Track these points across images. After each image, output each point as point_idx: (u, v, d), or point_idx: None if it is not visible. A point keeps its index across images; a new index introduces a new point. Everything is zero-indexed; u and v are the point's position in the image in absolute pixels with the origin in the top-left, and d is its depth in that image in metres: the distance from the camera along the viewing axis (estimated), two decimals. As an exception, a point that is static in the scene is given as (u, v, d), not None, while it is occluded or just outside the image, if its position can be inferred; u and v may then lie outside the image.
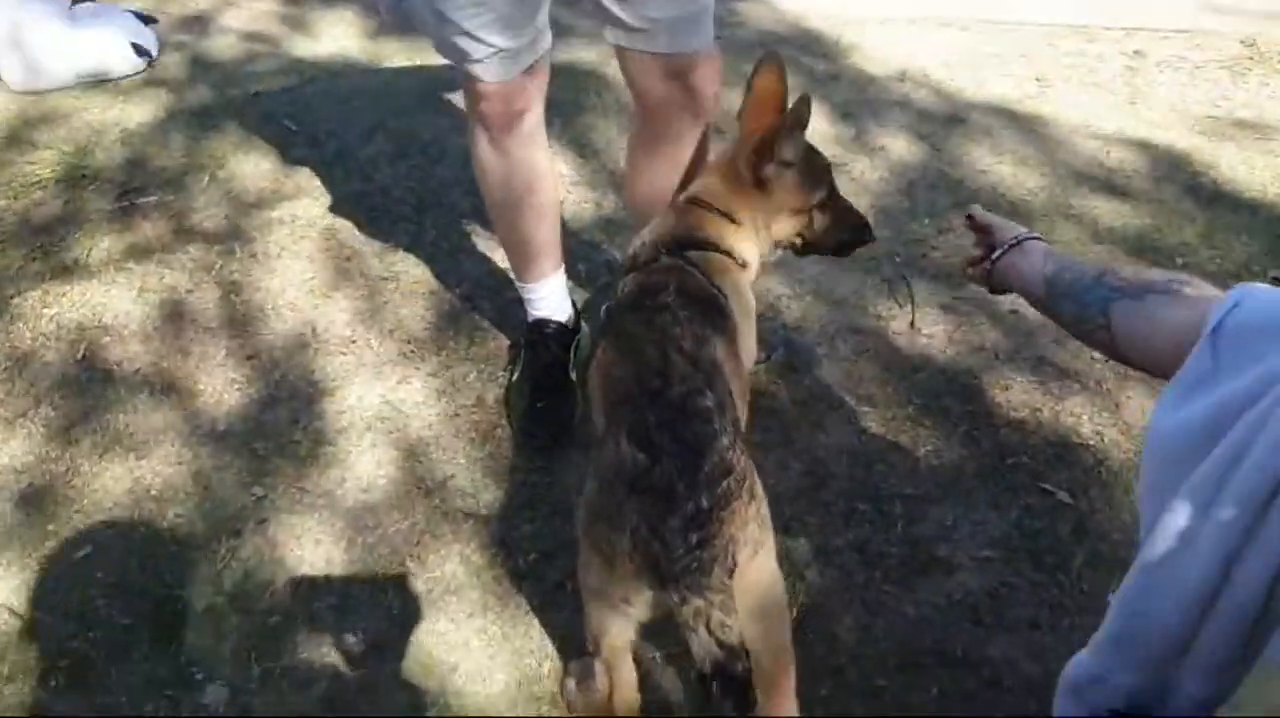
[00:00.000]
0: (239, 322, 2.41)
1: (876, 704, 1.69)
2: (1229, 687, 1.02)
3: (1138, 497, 1.14)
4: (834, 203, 1.76)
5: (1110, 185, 2.81)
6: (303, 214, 2.70)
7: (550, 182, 2.03)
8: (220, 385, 2.25)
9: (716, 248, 1.64)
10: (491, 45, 1.73)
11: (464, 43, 1.74)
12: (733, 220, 1.68)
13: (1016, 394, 2.22)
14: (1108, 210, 2.72)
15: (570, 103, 3.08)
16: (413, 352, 2.33)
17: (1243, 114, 3.17)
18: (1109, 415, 2.17)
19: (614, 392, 1.44)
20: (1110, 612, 1.13)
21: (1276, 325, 1.01)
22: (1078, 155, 2.93)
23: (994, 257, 1.51)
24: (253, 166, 2.90)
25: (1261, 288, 1.10)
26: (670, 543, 1.21)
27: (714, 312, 1.55)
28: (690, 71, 1.85)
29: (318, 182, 2.82)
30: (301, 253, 2.58)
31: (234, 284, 2.50)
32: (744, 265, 1.69)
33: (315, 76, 3.40)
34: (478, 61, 1.76)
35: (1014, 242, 1.49)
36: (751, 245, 1.70)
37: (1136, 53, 3.46)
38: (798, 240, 1.77)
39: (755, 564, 1.30)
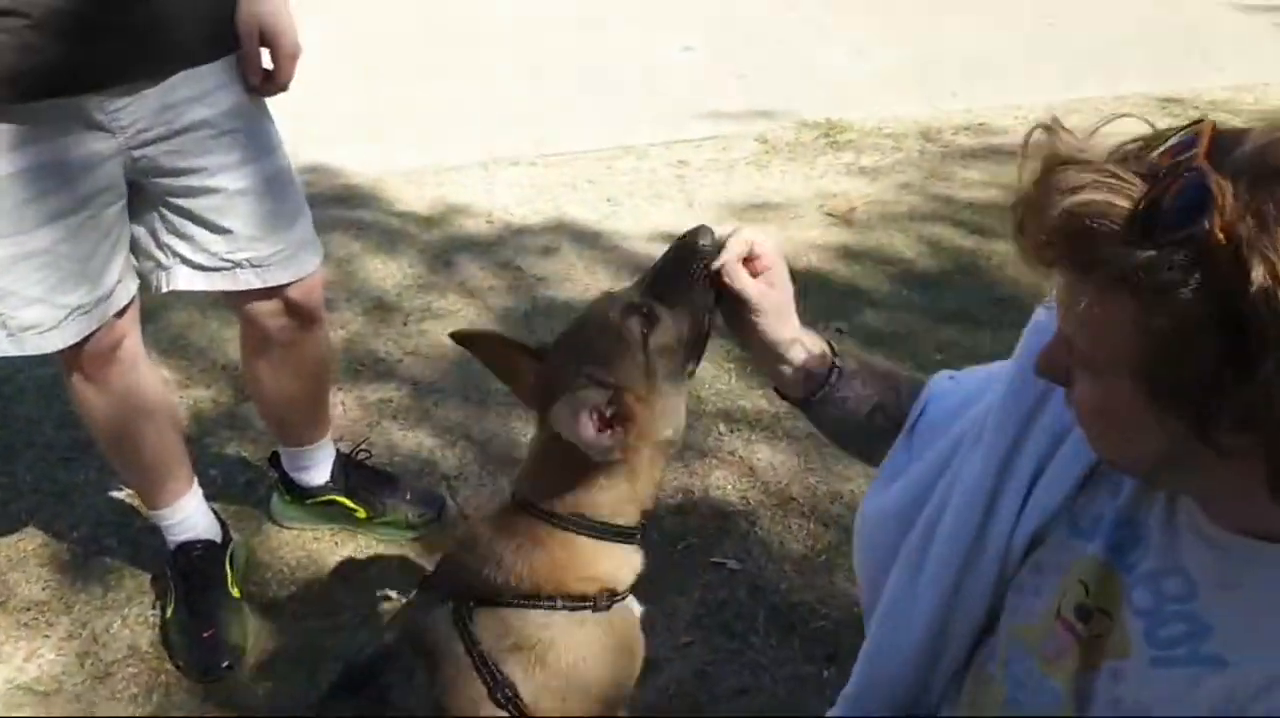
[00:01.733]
0: None
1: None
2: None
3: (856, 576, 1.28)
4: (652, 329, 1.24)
5: (692, 279, 3.18)
6: None
7: (163, 399, 1.92)
8: None
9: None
10: (64, 306, 1.61)
11: (29, 313, 1.59)
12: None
13: (670, 480, 2.40)
14: (696, 301, 3.07)
15: (158, 302, 2.91)
16: (35, 619, 2.03)
17: (774, 198, 3.74)
18: (748, 480, 2.42)
19: None
20: (854, 672, 1.25)
21: (954, 412, 1.20)
22: (654, 256, 3.27)
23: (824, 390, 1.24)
24: None
25: (945, 380, 1.27)
26: None
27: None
28: (294, 292, 1.84)
29: None
30: None
31: None
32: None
33: None
34: (52, 329, 1.62)
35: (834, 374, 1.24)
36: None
37: (681, 162, 3.97)
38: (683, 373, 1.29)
39: None
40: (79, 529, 2.23)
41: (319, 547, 2.21)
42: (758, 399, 2.67)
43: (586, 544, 1.24)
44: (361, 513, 2.18)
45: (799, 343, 1.21)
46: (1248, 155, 0.75)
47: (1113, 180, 0.76)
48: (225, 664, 1.91)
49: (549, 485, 1.24)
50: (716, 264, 1.17)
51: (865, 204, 3.69)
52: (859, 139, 4.32)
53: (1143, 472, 0.93)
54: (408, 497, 2.24)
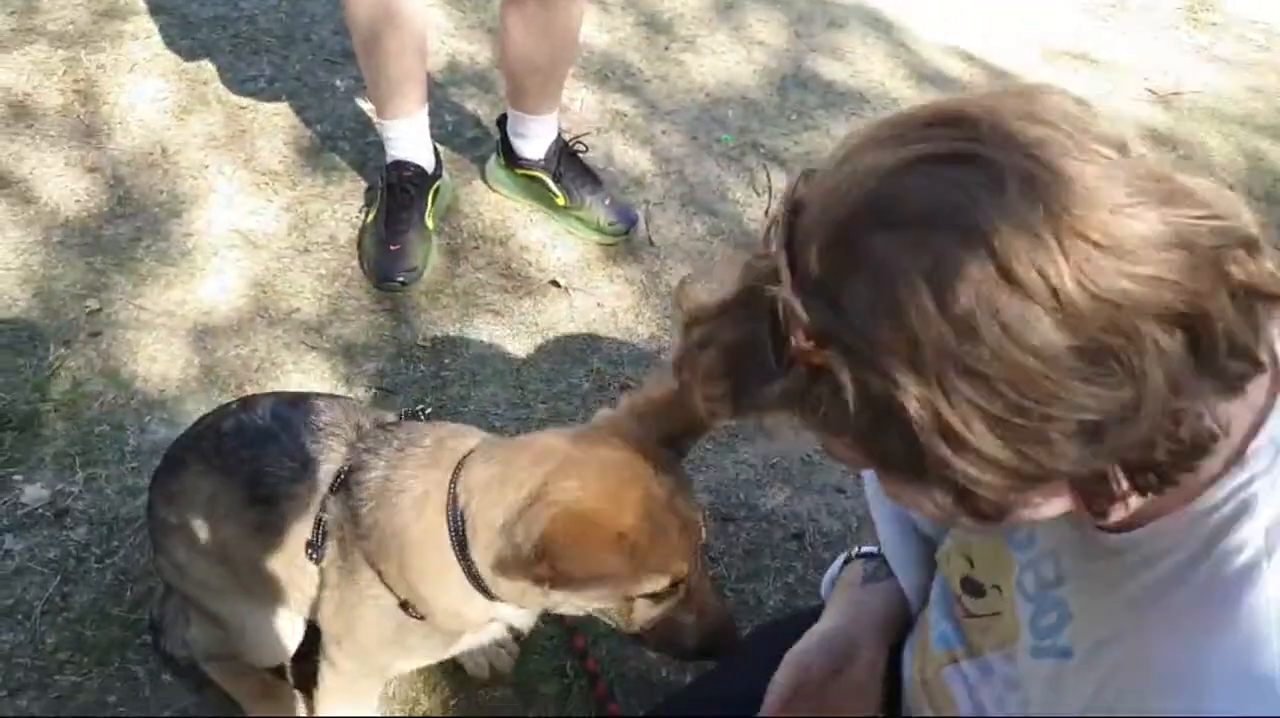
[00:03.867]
0: (82, 133, 2.29)
1: (688, 549, 1.82)
2: None
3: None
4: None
5: (968, 105, 2.95)
6: (159, 31, 2.56)
7: (419, 20, 2.00)
8: (57, 194, 2.16)
9: None
10: None
11: None
12: None
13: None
14: (962, 127, 2.85)
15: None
16: (266, 184, 2.28)
17: (1097, 54, 3.35)
18: (934, 314, 2.32)
19: None
20: None
21: None
22: (942, 72, 3.04)
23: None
24: (107, -27, 2.71)
25: None
26: None
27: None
28: None
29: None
30: (154, 70, 2.46)
31: (79, 93, 2.37)
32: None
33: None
34: None
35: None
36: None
37: (1010, -20, 3.58)
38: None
39: None
40: (322, 124, 2.43)
41: (516, 218, 2.32)
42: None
43: (438, 564, 1.12)
44: (560, 199, 2.26)
45: None
46: (813, 225, 0.66)
47: (729, 324, 0.70)
48: (400, 280, 2.09)
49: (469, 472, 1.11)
50: None
51: (1195, 93, 3.25)
52: (1223, 23, 3.74)
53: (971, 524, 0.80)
54: (607, 202, 2.29)
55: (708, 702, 1.30)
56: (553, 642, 1.63)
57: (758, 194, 2.50)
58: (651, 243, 2.33)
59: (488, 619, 1.18)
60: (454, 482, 1.10)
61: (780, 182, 2.54)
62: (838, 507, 1.93)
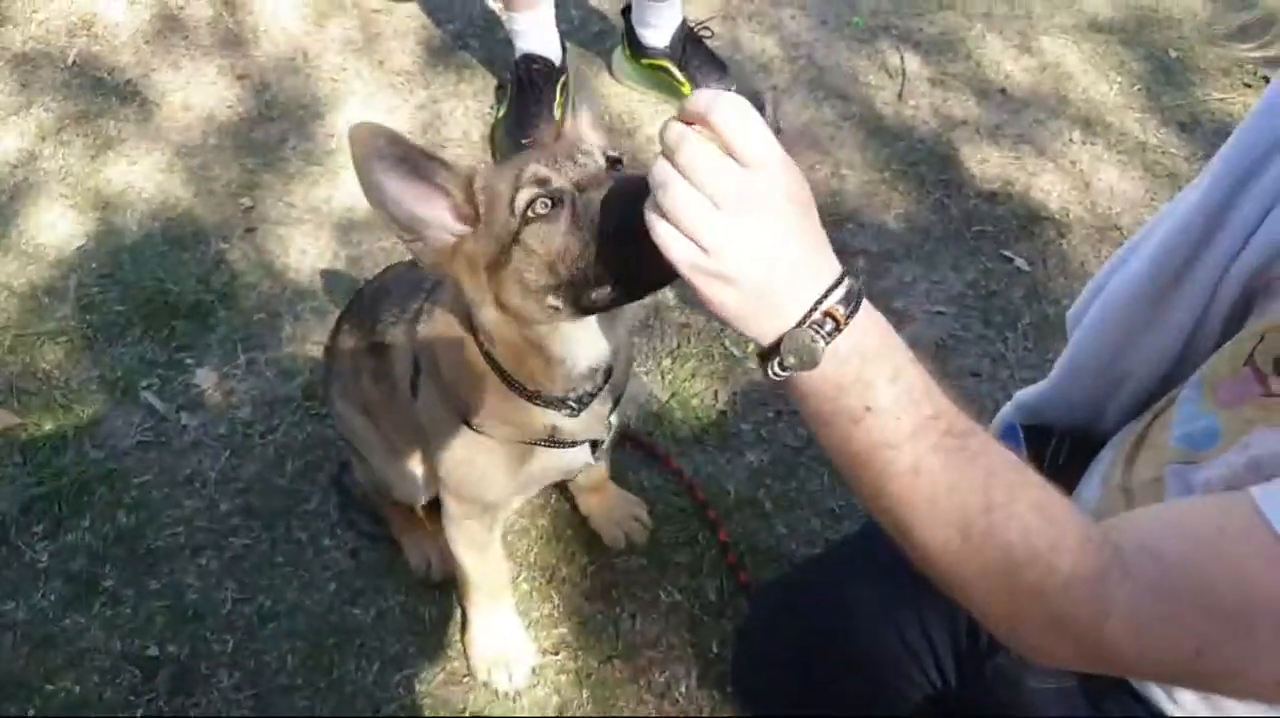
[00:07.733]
0: (231, 42, 2.40)
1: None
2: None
3: None
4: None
5: (1120, -27, 2.76)
6: (296, -59, 2.64)
7: None
8: (211, 102, 2.28)
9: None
10: None
11: None
12: None
13: (992, 168, 2.26)
14: (1111, -3, 2.68)
15: None
16: (402, 84, 2.34)
17: None
18: (1078, 194, 2.22)
19: None
20: (1050, 375, 1.24)
21: None
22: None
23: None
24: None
25: None
26: None
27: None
28: None
29: (311, -89, 2.74)
30: (293, -21, 2.55)
31: (226, 4, 2.48)
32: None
33: None
34: None
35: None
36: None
37: None
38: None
39: None
40: (452, 24, 2.47)
41: (642, 108, 2.32)
42: (1132, 121, 2.37)
43: (466, 360, 1.13)
44: (686, 89, 2.25)
45: None
46: None
47: None
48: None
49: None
50: None
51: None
52: None
53: None
54: (733, 88, 2.25)
55: (835, 568, 1.33)
56: (685, 514, 1.68)
57: (890, 77, 2.42)
58: (779, 129, 2.30)
59: (543, 428, 1.17)
60: None
61: (914, 64, 2.45)
62: (972, 390, 1.89)
